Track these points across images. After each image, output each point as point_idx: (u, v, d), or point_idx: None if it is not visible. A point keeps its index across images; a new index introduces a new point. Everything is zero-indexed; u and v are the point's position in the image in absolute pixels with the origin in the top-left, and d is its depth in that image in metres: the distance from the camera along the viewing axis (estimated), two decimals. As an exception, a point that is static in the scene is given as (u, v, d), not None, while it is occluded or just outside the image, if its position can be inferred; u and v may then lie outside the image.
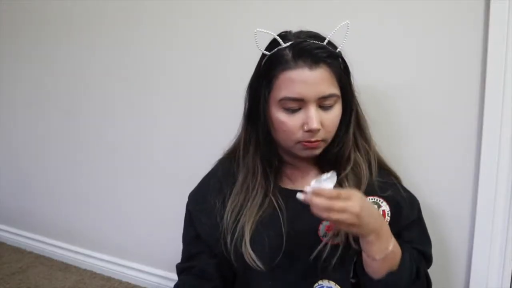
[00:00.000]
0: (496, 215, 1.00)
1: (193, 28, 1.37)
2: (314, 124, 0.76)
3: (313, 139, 0.79)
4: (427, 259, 0.88)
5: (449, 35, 1.02)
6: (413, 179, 1.06)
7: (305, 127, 0.78)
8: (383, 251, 0.74)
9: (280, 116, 0.80)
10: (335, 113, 0.81)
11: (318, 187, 0.71)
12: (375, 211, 0.76)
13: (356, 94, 0.89)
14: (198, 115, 1.42)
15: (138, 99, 1.54)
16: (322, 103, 0.79)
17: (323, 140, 0.81)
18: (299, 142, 0.80)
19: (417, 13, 1.04)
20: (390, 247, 0.75)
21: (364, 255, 0.78)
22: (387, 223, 0.83)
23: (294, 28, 0.85)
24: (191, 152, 1.44)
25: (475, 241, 1.03)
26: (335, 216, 0.69)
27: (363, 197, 0.74)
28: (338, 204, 0.69)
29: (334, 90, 0.79)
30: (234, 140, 0.95)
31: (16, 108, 1.91)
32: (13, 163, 1.99)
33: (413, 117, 1.09)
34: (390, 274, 0.77)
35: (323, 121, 0.79)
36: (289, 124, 0.79)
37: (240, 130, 0.92)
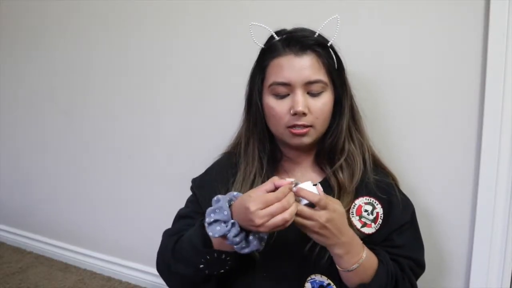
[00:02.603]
0: (496, 216, 1.00)
1: (193, 29, 1.37)
2: (300, 107, 0.79)
3: (299, 123, 0.81)
4: (419, 266, 0.88)
5: (449, 35, 1.02)
6: (412, 179, 1.06)
7: (292, 111, 0.80)
8: (351, 266, 0.76)
9: (269, 101, 0.83)
10: (324, 100, 0.82)
11: (302, 187, 0.71)
12: (345, 228, 0.75)
13: (353, 90, 0.90)
14: (200, 116, 1.42)
15: (139, 100, 1.54)
16: (310, 89, 0.81)
17: (311, 126, 0.82)
18: (287, 127, 0.82)
19: (418, 13, 1.04)
20: (359, 262, 0.76)
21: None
22: (379, 225, 0.84)
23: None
24: (192, 153, 1.44)
25: (475, 241, 1.03)
26: (300, 220, 0.70)
27: (340, 211, 0.74)
28: (307, 210, 0.70)
29: (321, 77, 0.82)
30: (237, 134, 0.97)
31: (17, 108, 1.91)
32: (13, 163, 1.99)
33: (413, 117, 1.09)
34: (362, 286, 0.78)
35: (311, 106, 0.81)
36: (277, 109, 0.82)
37: (241, 125, 0.94)
